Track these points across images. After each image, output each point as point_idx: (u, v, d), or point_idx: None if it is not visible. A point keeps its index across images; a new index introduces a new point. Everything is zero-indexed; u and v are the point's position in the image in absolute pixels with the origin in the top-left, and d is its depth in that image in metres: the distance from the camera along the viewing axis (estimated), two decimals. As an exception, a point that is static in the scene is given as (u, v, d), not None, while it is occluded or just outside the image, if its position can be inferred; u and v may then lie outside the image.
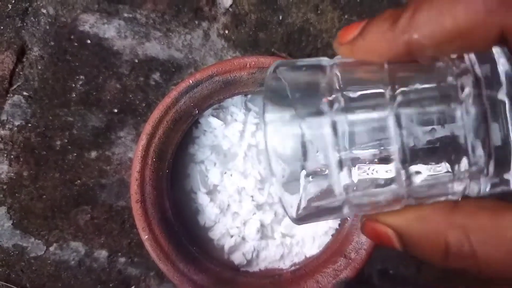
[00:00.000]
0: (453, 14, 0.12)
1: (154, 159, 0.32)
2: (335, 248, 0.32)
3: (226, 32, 0.42)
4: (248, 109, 0.36)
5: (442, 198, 0.15)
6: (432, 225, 0.14)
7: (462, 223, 0.13)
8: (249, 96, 0.36)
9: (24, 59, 0.42)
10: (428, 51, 0.13)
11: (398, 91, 0.15)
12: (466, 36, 0.12)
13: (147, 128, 0.32)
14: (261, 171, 0.34)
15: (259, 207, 0.34)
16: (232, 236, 0.34)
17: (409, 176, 0.14)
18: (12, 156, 0.40)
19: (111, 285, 0.40)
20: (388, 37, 0.14)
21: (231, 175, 0.35)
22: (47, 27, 0.42)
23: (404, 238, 0.14)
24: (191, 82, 0.32)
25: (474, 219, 0.13)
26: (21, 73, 0.41)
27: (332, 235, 0.34)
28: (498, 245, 0.12)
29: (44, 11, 0.42)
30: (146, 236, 0.31)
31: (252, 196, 0.34)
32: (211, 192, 0.35)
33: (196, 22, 0.42)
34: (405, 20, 0.13)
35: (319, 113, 0.15)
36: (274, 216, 0.34)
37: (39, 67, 0.42)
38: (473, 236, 0.13)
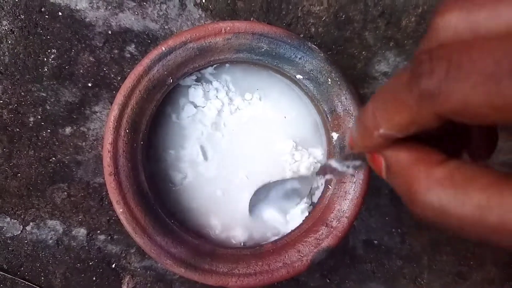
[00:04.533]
0: (397, 117, 0.15)
1: (127, 130, 0.31)
2: (317, 217, 0.31)
3: (203, 1, 0.40)
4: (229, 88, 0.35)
5: None
6: (415, 170, 0.15)
7: (441, 181, 0.14)
8: (227, 65, 0.35)
9: (-7, 33, 0.40)
10: (396, 135, 0.15)
11: None
12: (414, 125, 0.14)
13: (119, 98, 0.30)
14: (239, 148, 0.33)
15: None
16: (211, 208, 0.33)
17: None
18: (-17, 134, 0.39)
19: (91, 263, 0.39)
20: (366, 137, 0.17)
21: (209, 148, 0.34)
22: (17, 0, 0.40)
23: (390, 170, 0.16)
24: (163, 49, 0.31)
25: (451, 179, 0.14)
26: (-11, 47, 0.39)
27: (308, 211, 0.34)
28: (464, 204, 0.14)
29: (11, -19, 0.40)
30: (121, 210, 0.30)
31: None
32: (190, 164, 0.34)
33: (172, -10, 0.40)
34: (369, 120, 0.16)
35: None
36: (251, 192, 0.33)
37: (9, 42, 0.40)
38: (445, 192, 0.14)
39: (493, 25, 0.13)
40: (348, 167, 0.22)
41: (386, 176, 0.17)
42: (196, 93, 0.35)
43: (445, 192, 0.14)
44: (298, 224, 0.32)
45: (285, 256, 0.30)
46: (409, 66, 0.14)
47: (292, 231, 0.32)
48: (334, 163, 0.23)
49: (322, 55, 0.31)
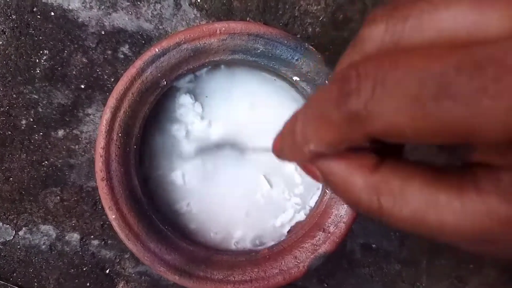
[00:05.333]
0: (327, 136, 0.14)
1: (119, 134, 0.30)
2: (314, 222, 0.31)
3: (198, 0, 0.39)
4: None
5: None
6: (351, 180, 0.15)
7: (378, 189, 0.14)
8: (222, 67, 0.34)
9: (-16, 34, 0.39)
10: (325, 152, 0.15)
11: None
12: (344, 143, 0.14)
13: (111, 101, 0.30)
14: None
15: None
16: (206, 214, 0.32)
17: None
18: (-26, 137, 0.38)
19: (84, 268, 0.39)
20: (295, 151, 0.16)
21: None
22: None
23: (326, 179, 0.16)
24: (157, 50, 0.30)
25: (387, 184, 0.14)
26: (-20, 48, 0.39)
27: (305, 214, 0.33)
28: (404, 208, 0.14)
29: (2, -19, 0.39)
30: (113, 216, 0.29)
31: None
32: (183, 169, 0.33)
33: (166, -10, 0.39)
34: (299, 135, 0.16)
35: None
36: (248, 196, 0.32)
37: (0, 42, 0.39)
38: (383, 199, 0.14)
39: (417, 37, 0.13)
40: None
41: (324, 184, 0.17)
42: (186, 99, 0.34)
43: (384, 198, 0.14)
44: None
45: (281, 263, 0.30)
46: (336, 79, 0.14)
47: (288, 236, 0.32)
48: None
49: (319, 56, 0.31)
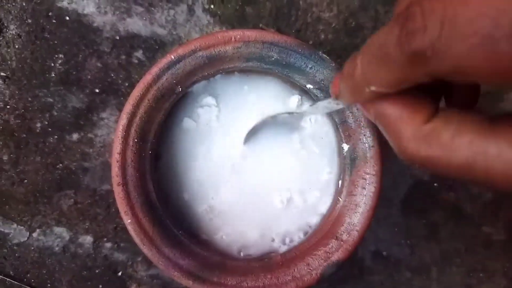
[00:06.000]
0: (388, 76, 0.14)
1: (135, 140, 0.30)
2: (326, 230, 0.31)
3: (212, 6, 0.40)
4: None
5: None
6: (401, 127, 0.16)
7: (427, 139, 0.15)
8: (236, 73, 0.35)
9: (0, 38, 0.39)
10: (387, 91, 0.15)
11: None
12: (405, 83, 0.14)
13: (128, 107, 0.30)
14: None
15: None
16: (219, 219, 0.33)
17: None
18: (-10, 140, 0.39)
19: (97, 271, 0.39)
20: (356, 93, 0.16)
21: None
22: (24, 4, 0.40)
23: (379, 120, 0.17)
24: (173, 57, 0.30)
25: (438, 135, 0.15)
26: (-4, 52, 0.39)
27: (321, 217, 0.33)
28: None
29: (19, -14, 0.39)
30: (129, 220, 0.29)
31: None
32: (197, 174, 0.33)
33: (180, -4, 0.39)
34: (359, 77, 0.16)
35: None
36: (261, 203, 0.33)
37: (16, 46, 0.40)
38: (431, 149, 0.15)
39: None
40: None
41: (376, 124, 0.17)
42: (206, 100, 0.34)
43: (432, 149, 0.14)
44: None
45: (294, 269, 0.30)
46: (400, 16, 0.13)
47: (301, 243, 0.32)
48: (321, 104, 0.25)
49: (333, 65, 0.31)
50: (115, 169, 0.29)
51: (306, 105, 0.34)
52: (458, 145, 0.14)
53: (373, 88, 0.15)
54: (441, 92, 0.18)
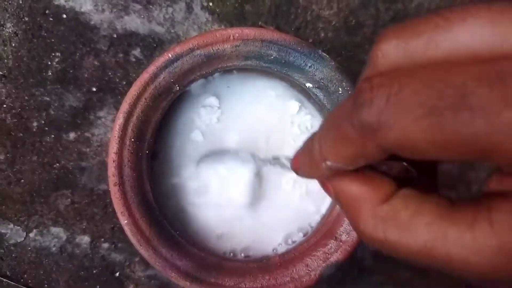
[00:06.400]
0: (343, 150, 0.14)
1: (132, 139, 0.30)
2: (325, 231, 0.30)
3: (210, 4, 0.39)
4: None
5: None
6: (359, 205, 0.15)
7: (386, 220, 0.14)
8: (235, 72, 0.34)
9: (-3, 36, 0.39)
10: (343, 168, 0.15)
11: None
12: (360, 158, 0.14)
13: (124, 106, 0.30)
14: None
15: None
16: (217, 219, 0.32)
17: None
18: (-14, 139, 0.38)
19: (94, 271, 0.39)
20: (313, 167, 0.16)
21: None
22: (20, 2, 0.39)
23: (337, 197, 0.16)
24: (170, 56, 0.30)
25: (396, 216, 0.14)
26: (-8, 50, 0.39)
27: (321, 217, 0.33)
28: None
29: (15, -17, 0.39)
30: (126, 221, 0.29)
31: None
32: (194, 175, 0.33)
33: (178, -7, 0.39)
34: (316, 152, 0.15)
35: None
36: (261, 203, 0.32)
37: (13, 45, 0.39)
38: (389, 231, 0.14)
39: (431, 53, 0.12)
40: None
41: (335, 201, 0.17)
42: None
43: (391, 230, 0.14)
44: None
45: (292, 270, 0.29)
46: (351, 95, 0.14)
47: (300, 244, 0.31)
48: None
49: (333, 63, 0.30)
50: (112, 169, 0.29)
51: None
52: (417, 227, 0.13)
53: (329, 163, 0.15)
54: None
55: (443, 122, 0.11)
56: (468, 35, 0.12)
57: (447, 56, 0.12)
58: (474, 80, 0.11)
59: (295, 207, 0.34)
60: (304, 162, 0.17)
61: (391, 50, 0.13)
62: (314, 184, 0.34)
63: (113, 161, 0.29)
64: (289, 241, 0.33)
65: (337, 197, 0.16)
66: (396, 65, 0.13)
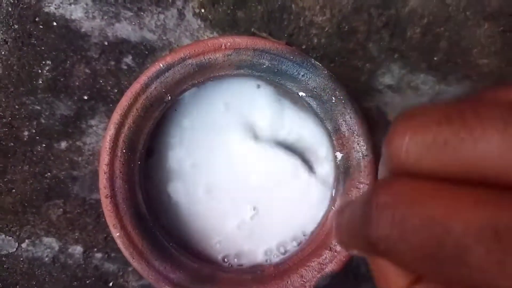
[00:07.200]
0: (356, 245, 0.15)
1: (124, 150, 0.29)
2: (320, 241, 0.30)
3: (203, 11, 0.39)
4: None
5: None
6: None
7: None
8: (226, 80, 0.34)
9: (-14, 44, 0.38)
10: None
11: None
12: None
13: (115, 116, 0.29)
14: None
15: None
16: (211, 230, 0.32)
17: None
18: (-24, 149, 0.38)
19: (87, 281, 0.38)
20: (351, 244, 0.16)
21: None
22: (10, 9, 0.39)
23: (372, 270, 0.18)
24: (161, 65, 0.30)
25: None
26: (-18, 59, 0.38)
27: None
28: None
29: (4, -10, 0.38)
30: (118, 234, 0.29)
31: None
32: (188, 185, 0.33)
33: (170, 0, 0.39)
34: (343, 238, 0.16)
35: None
36: (253, 211, 0.32)
37: (3, 53, 0.39)
38: None
39: (439, 165, 0.12)
40: None
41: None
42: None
43: None
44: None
45: (287, 281, 0.29)
46: (367, 194, 0.14)
47: (294, 254, 0.31)
48: None
49: (326, 72, 0.30)
50: (103, 181, 0.29)
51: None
52: None
53: (354, 251, 0.16)
54: None
55: (443, 270, 0.11)
56: (482, 150, 0.12)
57: (453, 172, 0.12)
58: (474, 234, 0.11)
59: (288, 216, 0.34)
60: (343, 240, 0.18)
61: (400, 150, 0.13)
62: (308, 193, 0.33)
63: (104, 173, 0.29)
64: (282, 249, 0.33)
65: (373, 264, 0.17)
66: (403, 168, 0.13)
